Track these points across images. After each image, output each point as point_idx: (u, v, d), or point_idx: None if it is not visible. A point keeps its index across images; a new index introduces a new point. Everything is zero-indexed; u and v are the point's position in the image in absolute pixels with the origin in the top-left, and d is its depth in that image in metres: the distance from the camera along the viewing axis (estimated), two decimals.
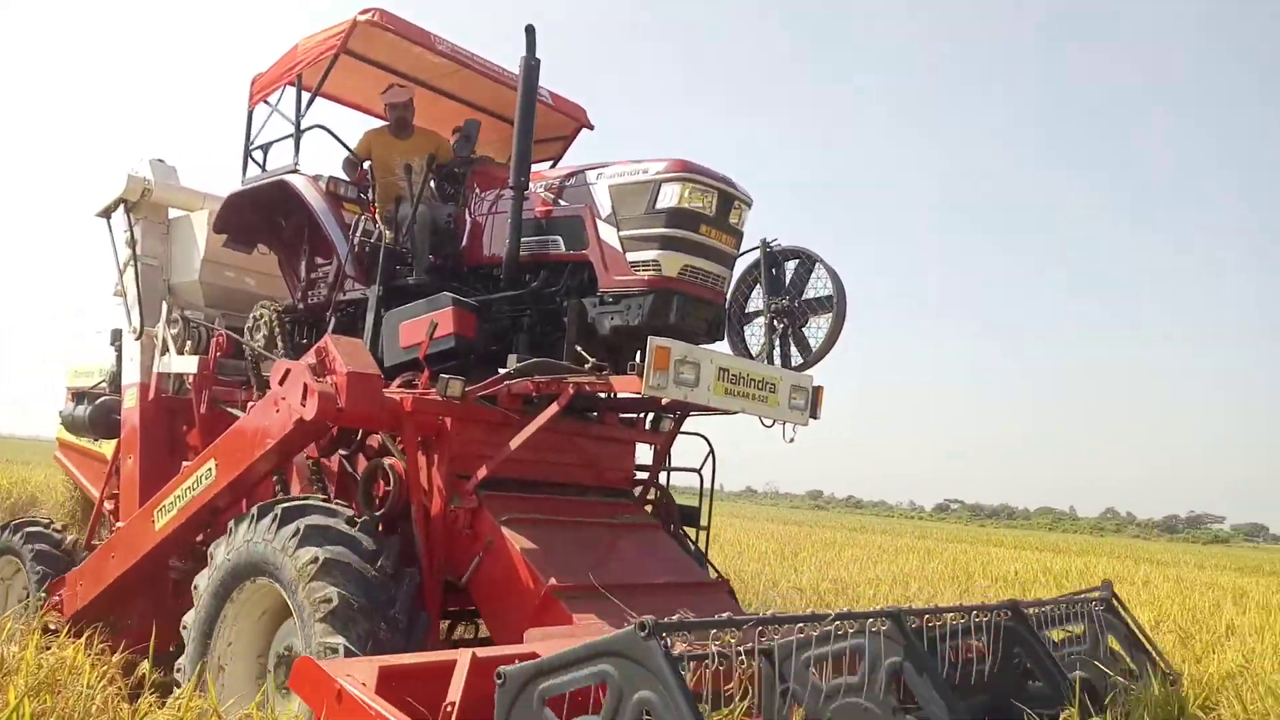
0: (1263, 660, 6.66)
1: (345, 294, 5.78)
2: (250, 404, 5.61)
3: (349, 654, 3.93)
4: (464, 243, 5.63)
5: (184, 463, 5.86)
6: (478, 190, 5.68)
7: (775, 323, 5.23)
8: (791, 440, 4.98)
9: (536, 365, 4.58)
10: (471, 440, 4.93)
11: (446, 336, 4.91)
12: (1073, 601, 4.69)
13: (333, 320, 5.71)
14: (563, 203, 5.08)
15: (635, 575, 4.84)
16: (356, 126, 7.54)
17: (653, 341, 4.15)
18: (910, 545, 25.12)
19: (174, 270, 6.98)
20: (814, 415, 4.95)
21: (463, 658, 3.35)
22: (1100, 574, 18.22)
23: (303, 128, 5.89)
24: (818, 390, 4.94)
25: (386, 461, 4.89)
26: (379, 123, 6.26)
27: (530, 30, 5.00)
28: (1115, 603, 4.88)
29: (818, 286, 5.12)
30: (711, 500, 6.02)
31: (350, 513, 4.63)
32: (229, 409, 6.02)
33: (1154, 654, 4.81)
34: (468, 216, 5.68)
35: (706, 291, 4.80)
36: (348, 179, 5.96)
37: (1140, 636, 4.85)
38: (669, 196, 4.64)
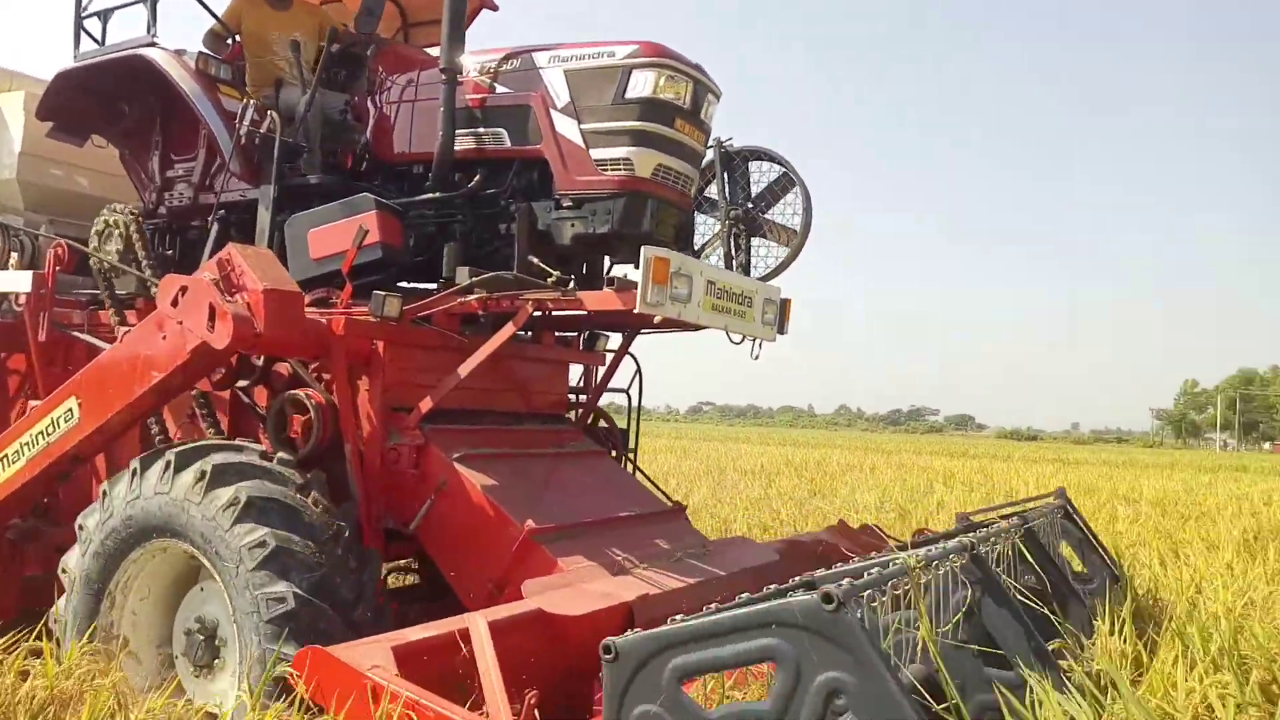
0: None
1: (220, 195, 4.84)
2: (121, 330, 4.63)
3: (302, 603, 3.32)
4: (367, 136, 4.81)
5: (31, 402, 4.79)
6: (383, 74, 4.84)
7: (734, 232, 4.82)
8: (757, 358, 4.64)
9: (496, 280, 3.95)
10: (407, 368, 4.26)
11: (373, 245, 4.18)
12: (1036, 511, 4.67)
13: (215, 228, 4.77)
14: (502, 89, 4.39)
15: (600, 509, 4.39)
16: None
17: (649, 251, 3.63)
18: (668, 445, 26.13)
19: None
20: (782, 330, 4.61)
21: (477, 626, 2.85)
22: (836, 463, 20.26)
23: None
24: (786, 303, 4.59)
25: (303, 393, 4.14)
26: None
27: None
28: (1070, 509, 4.93)
29: (787, 210, 4.73)
30: (639, 422, 5.63)
31: (262, 449, 3.91)
32: (77, 335, 4.97)
33: (1104, 556, 4.91)
34: (371, 105, 4.85)
35: (676, 194, 4.30)
36: (217, 56, 4.96)
37: (1093, 540, 4.93)
38: (641, 85, 4.07)
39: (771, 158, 4.75)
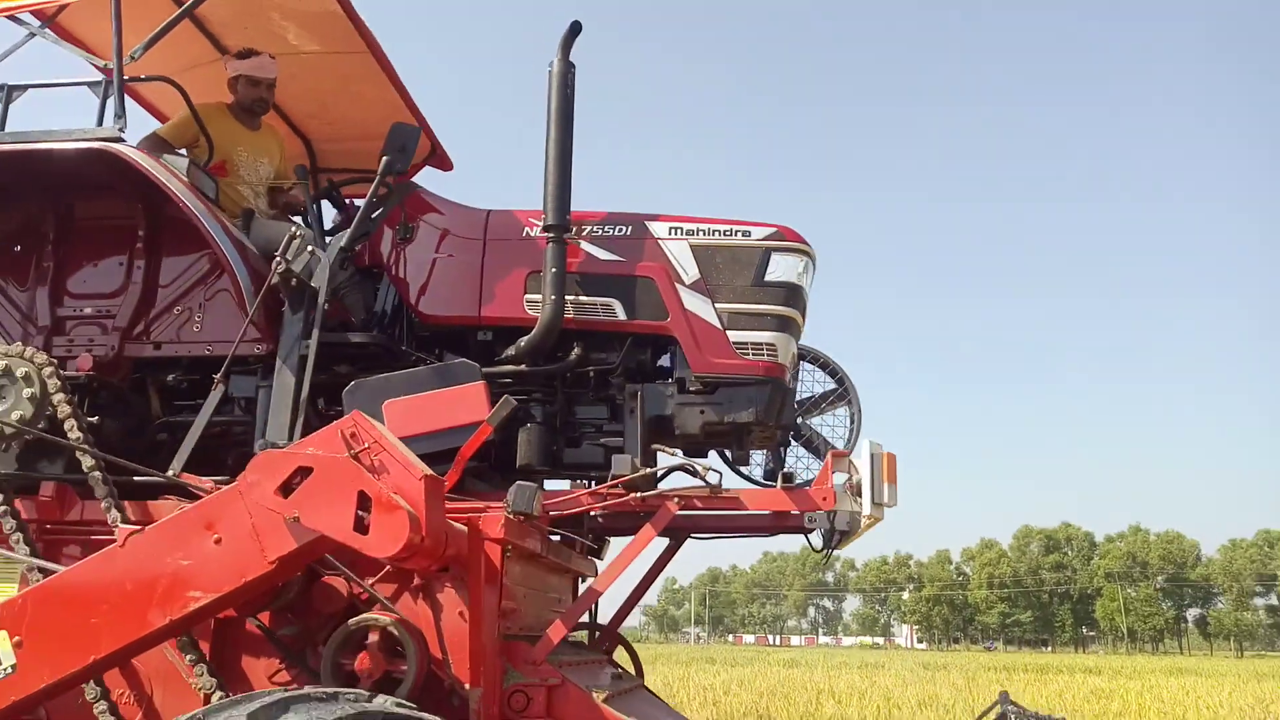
0: None
1: (237, 349, 3.63)
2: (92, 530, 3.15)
3: None
4: (407, 291, 3.96)
5: None
6: (414, 221, 4.07)
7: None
8: (827, 559, 4.31)
9: (683, 468, 3.35)
10: (521, 582, 3.37)
11: (473, 425, 3.34)
12: None
13: (221, 389, 3.51)
14: (606, 255, 3.87)
15: None
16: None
17: (872, 444, 3.29)
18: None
19: None
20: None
21: None
22: None
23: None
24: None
25: (384, 620, 3.06)
26: None
27: (575, 27, 3.82)
28: None
29: (838, 426, 4.53)
30: None
31: (370, 696, 2.79)
32: None
33: None
34: (401, 257, 4.03)
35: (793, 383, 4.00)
36: (198, 166, 3.87)
37: None
38: (783, 269, 3.82)
39: (826, 365, 4.59)
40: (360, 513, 2.63)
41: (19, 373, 3.41)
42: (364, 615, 3.08)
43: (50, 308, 3.87)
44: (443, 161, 5.32)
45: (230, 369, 3.75)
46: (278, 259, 3.46)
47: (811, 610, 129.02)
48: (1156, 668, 32.41)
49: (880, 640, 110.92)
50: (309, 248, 3.51)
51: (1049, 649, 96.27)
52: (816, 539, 4.09)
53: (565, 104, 3.74)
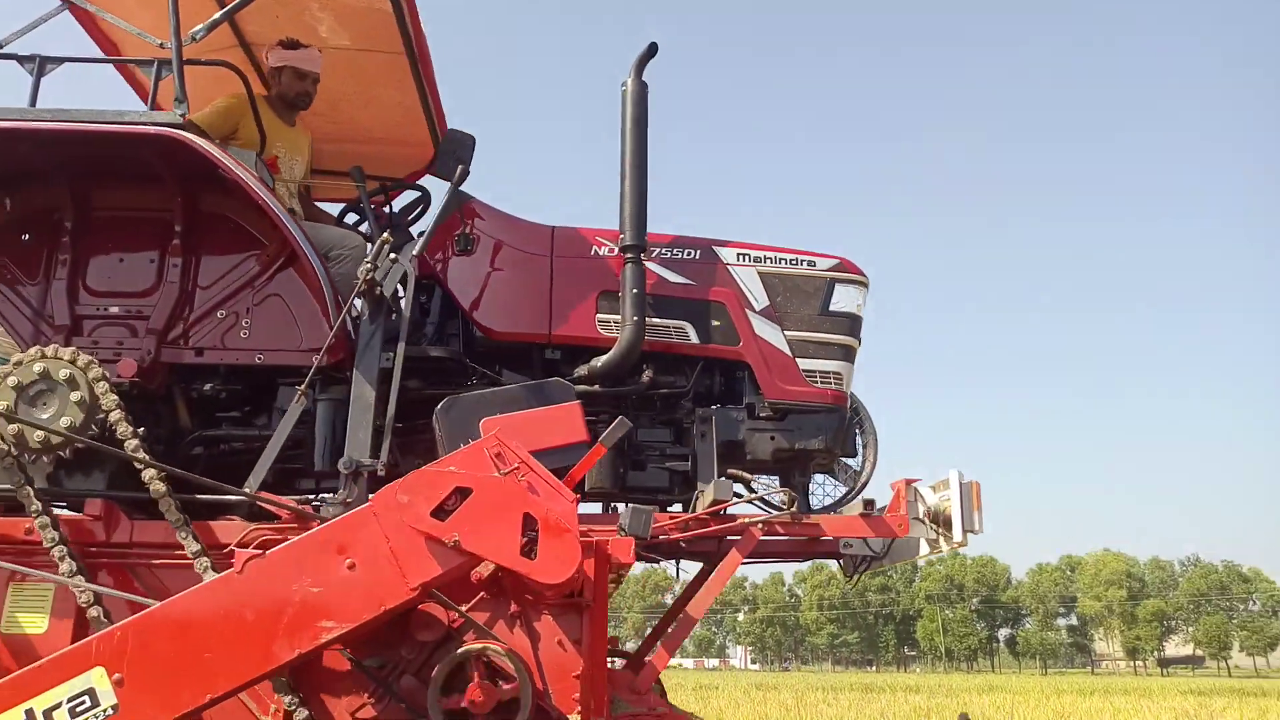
0: None
1: (317, 359, 3.38)
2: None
3: None
4: (467, 304, 3.81)
5: None
6: (478, 233, 3.94)
7: None
8: (853, 582, 4.41)
9: (761, 499, 3.34)
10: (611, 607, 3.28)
11: (576, 446, 3.25)
12: None
13: (304, 401, 3.25)
14: (677, 278, 3.87)
15: None
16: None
17: (956, 475, 3.40)
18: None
19: None
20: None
21: None
22: None
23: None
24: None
25: (497, 649, 2.93)
26: None
27: (651, 49, 3.82)
28: None
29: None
30: None
31: None
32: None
33: None
34: (460, 267, 3.88)
35: None
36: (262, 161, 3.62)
37: None
38: (846, 300, 3.93)
39: None
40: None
41: (60, 375, 3.07)
42: (475, 644, 2.94)
43: (69, 305, 3.51)
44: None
45: (283, 381, 3.52)
46: (367, 265, 3.26)
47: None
48: (971, 685, 34.34)
49: (716, 662, 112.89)
50: (393, 255, 3.33)
51: (874, 668, 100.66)
52: (840, 563, 4.20)
53: (640, 123, 3.72)
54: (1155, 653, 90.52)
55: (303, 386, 3.19)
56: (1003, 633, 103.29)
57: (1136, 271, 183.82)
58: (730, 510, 3.51)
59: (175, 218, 3.57)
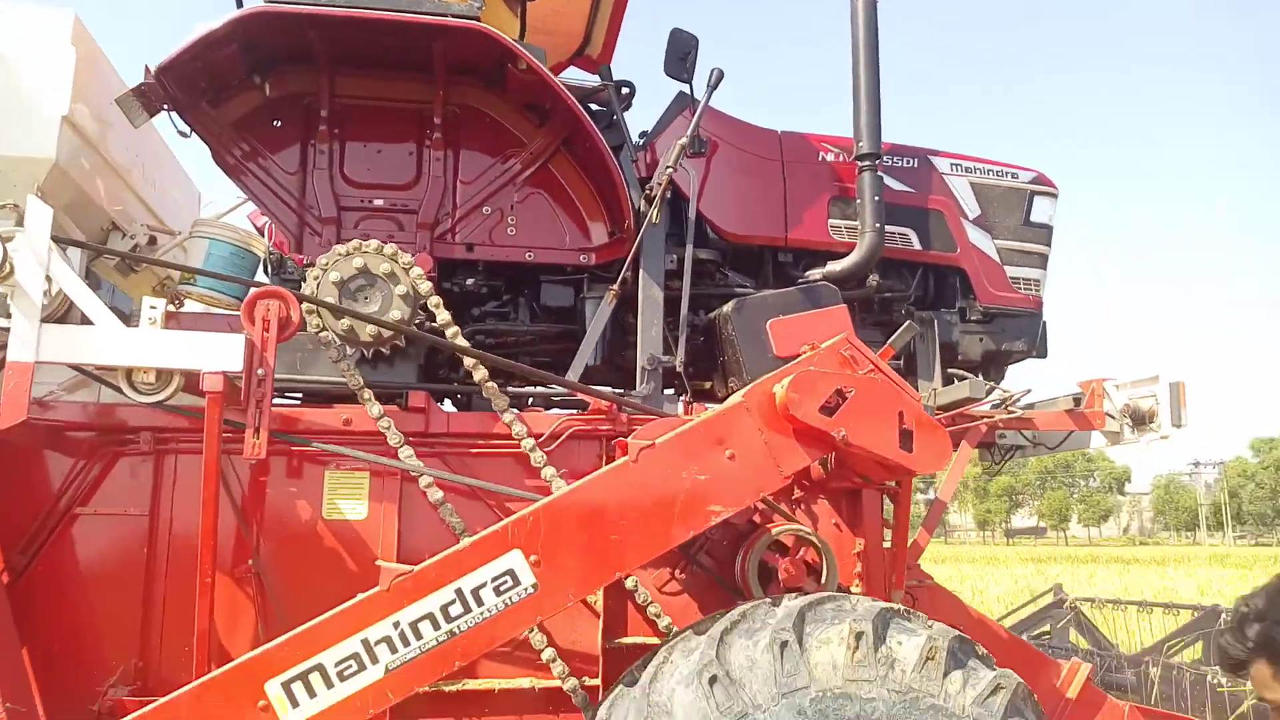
0: None
1: (529, 254, 3.50)
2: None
3: None
4: (701, 206, 3.94)
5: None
6: (712, 136, 4.03)
7: None
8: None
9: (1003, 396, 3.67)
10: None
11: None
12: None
13: (615, 298, 3.37)
14: (899, 186, 4.06)
15: None
16: None
17: (1169, 380, 3.77)
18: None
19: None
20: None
21: None
22: None
23: None
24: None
25: (805, 531, 3.23)
26: None
27: None
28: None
29: None
30: None
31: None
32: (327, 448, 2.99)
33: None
34: (698, 171, 3.99)
35: None
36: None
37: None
38: (1042, 212, 4.22)
39: None
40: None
41: (380, 270, 3.11)
42: (787, 526, 3.22)
43: (333, 196, 3.49)
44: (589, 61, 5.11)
45: (545, 278, 3.64)
46: (666, 165, 3.36)
47: None
48: None
49: None
50: (681, 156, 3.43)
51: None
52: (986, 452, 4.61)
53: (871, 35, 3.83)
54: (1003, 524, 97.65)
55: (614, 286, 3.32)
56: None
57: None
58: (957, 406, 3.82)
59: (435, 110, 3.56)
